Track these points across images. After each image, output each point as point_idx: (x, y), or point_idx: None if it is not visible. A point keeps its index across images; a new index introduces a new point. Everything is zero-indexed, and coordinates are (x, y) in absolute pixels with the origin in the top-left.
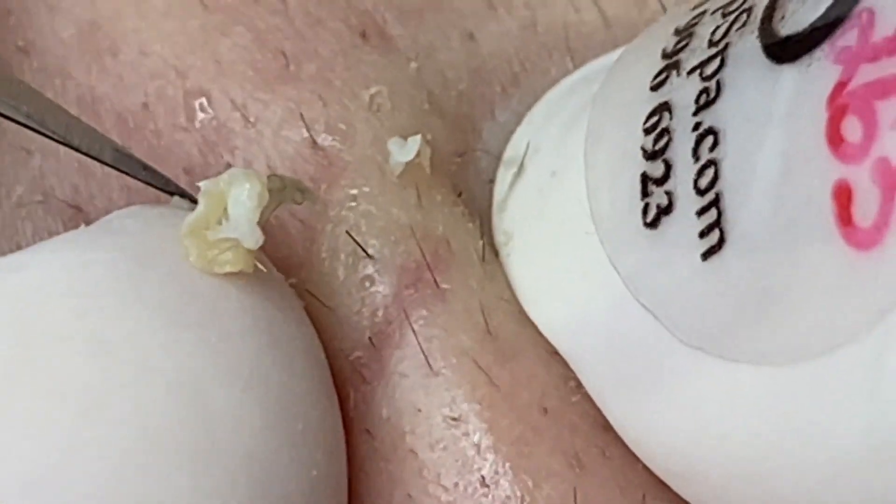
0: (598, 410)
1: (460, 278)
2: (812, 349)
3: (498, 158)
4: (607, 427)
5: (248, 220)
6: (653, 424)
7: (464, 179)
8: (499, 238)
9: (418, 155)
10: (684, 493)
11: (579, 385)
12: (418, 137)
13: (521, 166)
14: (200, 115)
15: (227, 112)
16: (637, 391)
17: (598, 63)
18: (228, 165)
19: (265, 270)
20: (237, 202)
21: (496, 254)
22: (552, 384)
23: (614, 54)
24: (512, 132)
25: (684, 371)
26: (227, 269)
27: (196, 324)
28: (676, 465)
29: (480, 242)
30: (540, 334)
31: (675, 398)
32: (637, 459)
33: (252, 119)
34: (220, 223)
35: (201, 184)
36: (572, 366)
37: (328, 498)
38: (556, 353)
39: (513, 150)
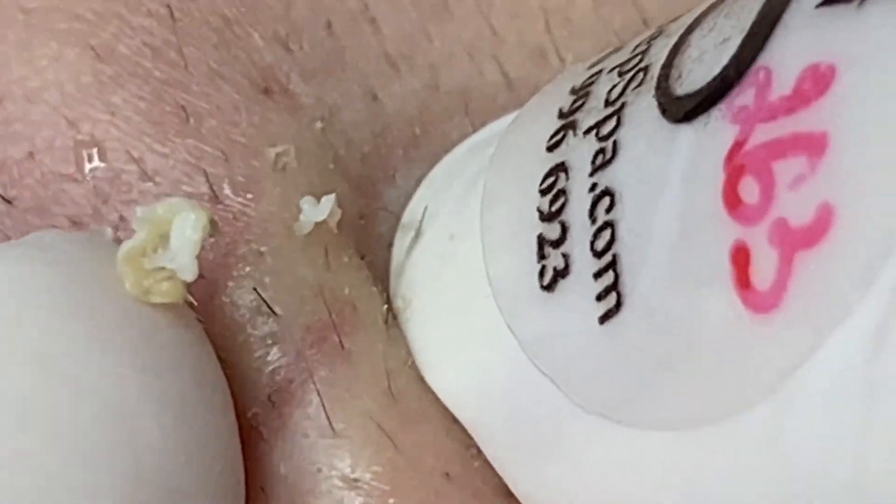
0: (500, 476)
1: (365, 341)
2: (713, 414)
3: (395, 226)
4: (509, 493)
5: (189, 251)
6: (555, 492)
7: (366, 242)
8: (397, 303)
9: (330, 215)
10: None
11: (480, 451)
12: (332, 196)
13: (419, 231)
14: (92, 166)
15: (122, 164)
16: (538, 458)
17: (498, 124)
18: (121, 218)
19: (195, 304)
20: (180, 233)
21: (395, 319)
22: (454, 449)
23: (514, 115)
24: (411, 196)
25: (585, 438)
26: (162, 299)
27: (130, 349)
28: None
29: (384, 306)
30: (440, 401)
31: (577, 465)
32: None
33: (150, 172)
34: (156, 251)
35: (138, 210)
36: (472, 433)
37: None
38: (456, 419)
39: (410, 214)
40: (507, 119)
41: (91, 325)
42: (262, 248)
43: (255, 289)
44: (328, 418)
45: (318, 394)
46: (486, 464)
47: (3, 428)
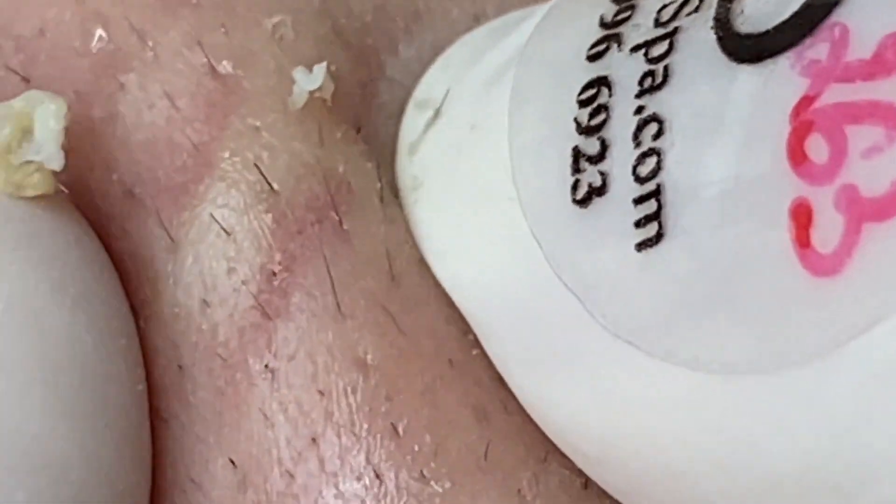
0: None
1: (363, 220)
2: (757, 365)
3: (400, 96)
4: (504, 384)
5: (54, 141)
6: (564, 404)
7: (365, 115)
8: (406, 181)
9: (321, 87)
10: (590, 472)
11: (478, 340)
12: (324, 65)
13: (438, 111)
14: (97, 40)
15: (125, 36)
16: (549, 368)
17: (519, 14)
18: (121, 87)
19: (66, 191)
20: (44, 124)
21: (394, 195)
22: (455, 336)
23: (537, 7)
24: (415, 70)
25: (606, 360)
26: (35, 192)
27: (20, 245)
28: (587, 448)
29: (380, 184)
30: (440, 285)
31: (592, 384)
32: None
33: (150, 44)
34: (20, 146)
35: None
36: (473, 326)
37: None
38: (453, 305)
39: (428, 91)
40: (527, 10)
41: None
42: (258, 123)
43: (255, 164)
44: (336, 299)
45: (329, 273)
46: (484, 353)
47: None
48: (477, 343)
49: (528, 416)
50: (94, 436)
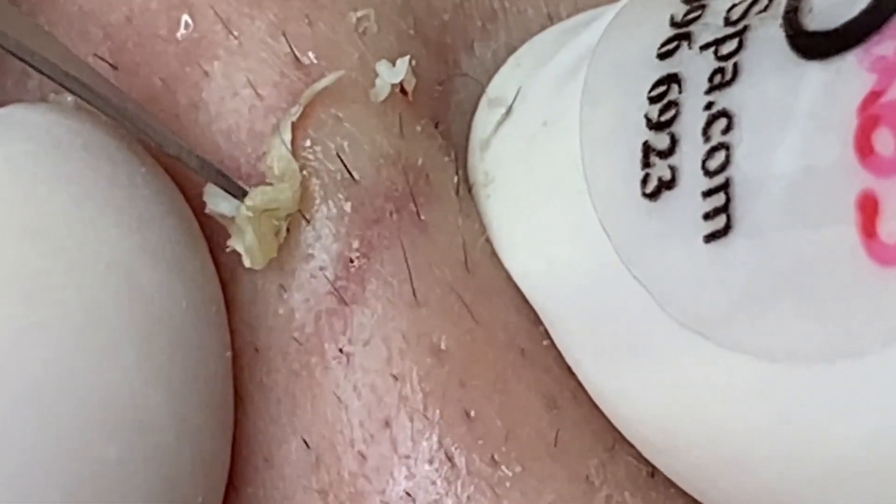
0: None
1: (440, 212)
2: (822, 353)
3: (475, 93)
4: (574, 374)
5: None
6: (632, 394)
7: (442, 111)
8: (478, 177)
9: (404, 80)
10: (656, 461)
11: (548, 331)
12: (407, 59)
13: (510, 109)
14: (183, 28)
15: (210, 24)
16: (616, 357)
17: (591, 14)
18: (206, 74)
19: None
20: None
21: (469, 190)
22: (525, 327)
23: (608, 7)
24: (490, 68)
25: (674, 350)
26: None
27: (119, 209)
28: (654, 437)
29: (456, 178)
30: (511, 278)
31: (661, 374)
32: None
33: (235, 33)
34: None
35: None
36: (543, 318)
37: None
38: (526, 298)
39: (500, 90)
40: (599, 11)
41: (80, 193)
42: (340, 114)
43: (337, 154)
44: (413, 286)
45: (406, 261)
46: (553, 344)
47: (14, 305)
48: (547, 334)
49: (596, 406)
50: (183, 399)
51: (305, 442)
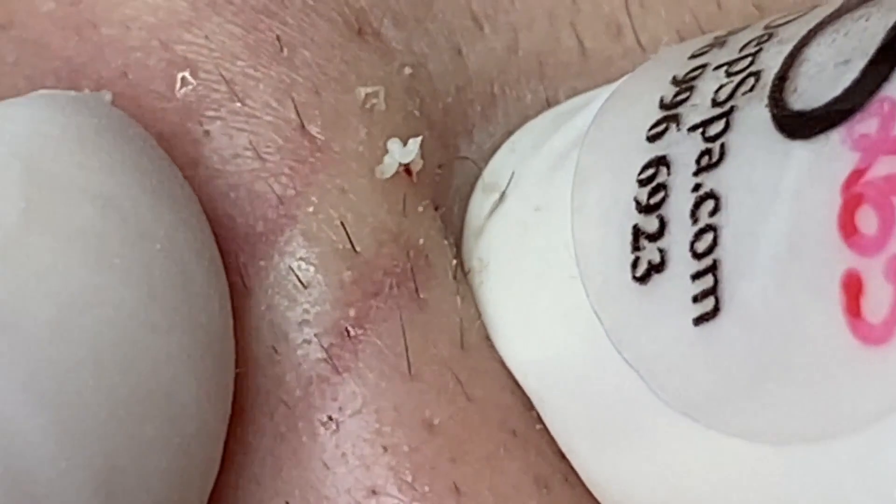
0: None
1: (439, 291)
2: (809, 433)
3: (473, 178)
4: (565, 458)
5: None
6: (624, 477)
7: (442, 194)
8: (472, 264)
9: (413, 161)
10: None
11: (541, 416)
12: (419, 140)
13: (503, 195)
14: (184, 86)
15: (213, 85)
16: (608, 443)
17: (584, 98)
18: (207, 134)
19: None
20: None
21: (464, 276)
22: (518, 409)
23: (601, 90)
24: (487, 154)
25: (665, 433)
26: None
27: (172, 197)
28: None
29: (455, 261)
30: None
31: (652, 457)
32: None
33: (240, 94)
34: None
35: None
36: (535, 403)
37: None
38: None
39: (493, 176)
40: (591, 94)
41: (140, 174)
42: (346, 186)
43: (341, 223)
44: (408, 359)
45: (403, 334)
46: (546, 428)
47: (83, 263)
48: (540, 419)
49: (587, 489)
50: (211, 393)
51: None
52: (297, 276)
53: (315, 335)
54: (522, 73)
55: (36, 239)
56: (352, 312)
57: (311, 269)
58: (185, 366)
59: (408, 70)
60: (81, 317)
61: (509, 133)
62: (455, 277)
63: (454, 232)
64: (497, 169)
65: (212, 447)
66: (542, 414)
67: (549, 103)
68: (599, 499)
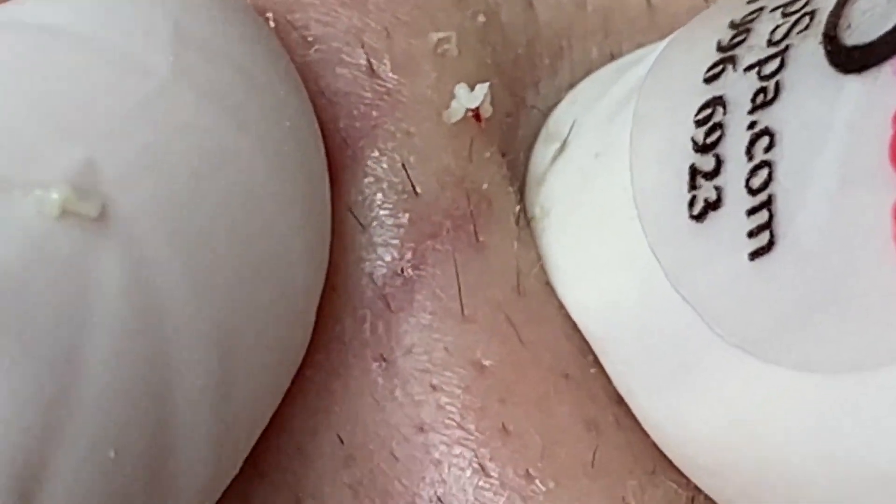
0: (613, 385)
1: (498, 236)
2: (863, 363)
3: (538, 129)
4: (621, 401)
5: None
6: (680, 415)
7: (510, 142)
8: (534, 211)
9: (481, 106)
10: (704, 484)
11: (596, 359)
12: (486, 85)
13: (565, 143)
14: None
15: (286, 28)
16: (666, 381)
17: (646, 50)
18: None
19: None
20: None
21: (527, 223)
22: (573, 353)
23: (662, 44)
24: (552, 106)
25: (721, 368)
26: None
27: (297, 84)
28: (702, 458)
29: (517, 207)
30: (564, 306)
31: (708, 393)
32: (648, 434)
33: (310, 39)
34: None
35: None
36: (595, 347)
37: None
38: (577, 326)
39: (555, 126)
40: (656, 46)
41: (273, 54)
42: (412, 129)
43: (402, 165)
44: (461, 302)
45: (457, 276)
46: (601, 372)
47: (223, 125)
48: (595, 363)
49: (640, 431)
50: (317, 281)
51: (340, 438)
52: (355, 217)
53: (370, 274)
54: (590, 28)
55: (183, 93)
56: (408, 254)
57: (371, 209)
58: (301, 242)
59: (481, 18)
60: (219, 174)
61: (573, 86)
62: (517, 223)
63: (520, 180)
64: (559, 119)
65: (306, 332)
66: (600, 357)
67: (614, 58)
68: (656, 440)
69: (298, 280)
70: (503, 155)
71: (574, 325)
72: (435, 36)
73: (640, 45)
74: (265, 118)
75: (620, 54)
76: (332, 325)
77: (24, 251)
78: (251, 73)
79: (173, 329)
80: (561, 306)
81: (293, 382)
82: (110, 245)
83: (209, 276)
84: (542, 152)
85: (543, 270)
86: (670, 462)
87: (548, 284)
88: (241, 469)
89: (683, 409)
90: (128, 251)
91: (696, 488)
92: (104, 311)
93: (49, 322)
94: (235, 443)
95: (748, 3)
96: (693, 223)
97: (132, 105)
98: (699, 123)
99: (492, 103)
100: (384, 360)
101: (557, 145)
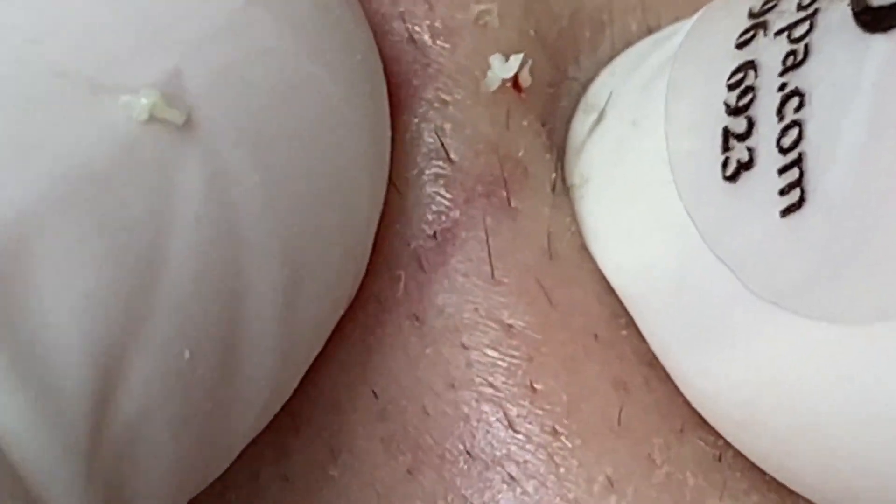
0: (644, 347)
1: (532, 202)
2: (887, 312)
3: (577, 101)
4: (651, 363)
5: None
6: (714, 370)
7: (550, 112)
8: (573, 179)
9: (519, 77)
10: (738, 441)
11: (629, 322)
12: (520, 56)
13: (602, 113)
14: None
15: None
16: (702, 340)
17: (682, 24)
18: None
19: None
20: None
21: (565, 191)
22: (604, 315)
23: (696, 15)
24: (591, 78)
25: (756, 324)
26: None
27: (364, 24)
28: (738, 414)
29: (554, 175)
30: (597, 271)
31: (744, 350)
32: (678, 394)
33: None
34: None
35: None
36: (631, 309)
37: None
38: (610, 290)
39: (594, 97)
40: (690, 19)
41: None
42: (448, 98)
43: (435, 132)
44: (491, 264)
45: (487, 240)
46: (633, 333)
47: (300, 52)
48: (627, 325)
49: (671, 392)
50: (374, 213)
51: (374, 393)
52: (392, 181)
53: (404, 237)
54: (630, 2)
55: (260, 16)
56: (442, 218)
57: (407, 174)
58: (366, 175)
59: None
60: (296, 97)
61: (613, 59)
62: (553, 190)
63: (559, 150)
64: (597, 90)
65: (362, 264)
66: (636, 318)
67: (652, 32)
68: (688, 396)
69: (362, 209)
70: (543, 124)
71: (606, 289)
72: (476, 8)
73: (677, 20)
74: (339, 49)
75: (659, 28)
76: (368, 283)
77: (112, 152)
78: (326, 6)
79: (246, 240)
80: (594, 270)
81: (330, 338)
82: (193, 153)
83: (282, 193)
84: (581, 122)
85: (577, 235)
86: (700, 420)
87: (581, 249)
88: (279, 421)
89: (717, 364)
90: (209, 161)
91: (724, 445)
92: (185, 216)
93: (134, 222)
94: (296, 360)
95: None
96: (727, 184)
97: (218, 21)
98: (731, 87)
99: (532, 74)
100: (417, 318)
101: (595, 115)
